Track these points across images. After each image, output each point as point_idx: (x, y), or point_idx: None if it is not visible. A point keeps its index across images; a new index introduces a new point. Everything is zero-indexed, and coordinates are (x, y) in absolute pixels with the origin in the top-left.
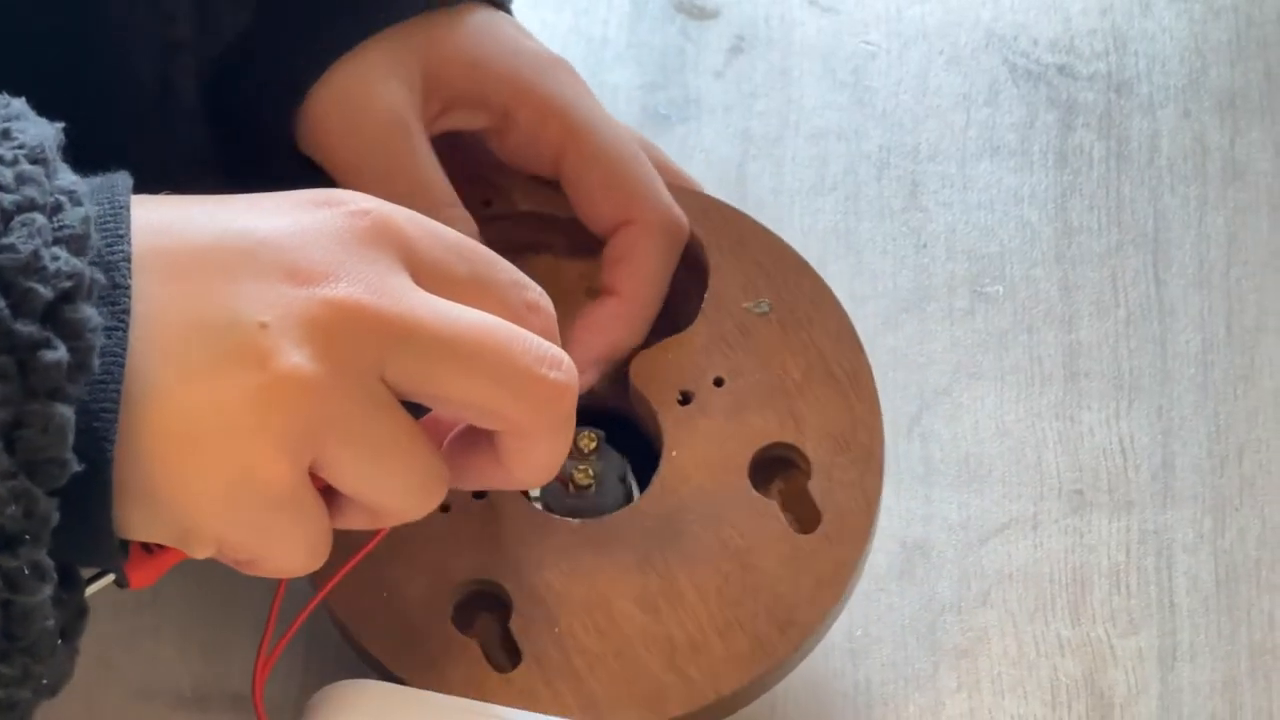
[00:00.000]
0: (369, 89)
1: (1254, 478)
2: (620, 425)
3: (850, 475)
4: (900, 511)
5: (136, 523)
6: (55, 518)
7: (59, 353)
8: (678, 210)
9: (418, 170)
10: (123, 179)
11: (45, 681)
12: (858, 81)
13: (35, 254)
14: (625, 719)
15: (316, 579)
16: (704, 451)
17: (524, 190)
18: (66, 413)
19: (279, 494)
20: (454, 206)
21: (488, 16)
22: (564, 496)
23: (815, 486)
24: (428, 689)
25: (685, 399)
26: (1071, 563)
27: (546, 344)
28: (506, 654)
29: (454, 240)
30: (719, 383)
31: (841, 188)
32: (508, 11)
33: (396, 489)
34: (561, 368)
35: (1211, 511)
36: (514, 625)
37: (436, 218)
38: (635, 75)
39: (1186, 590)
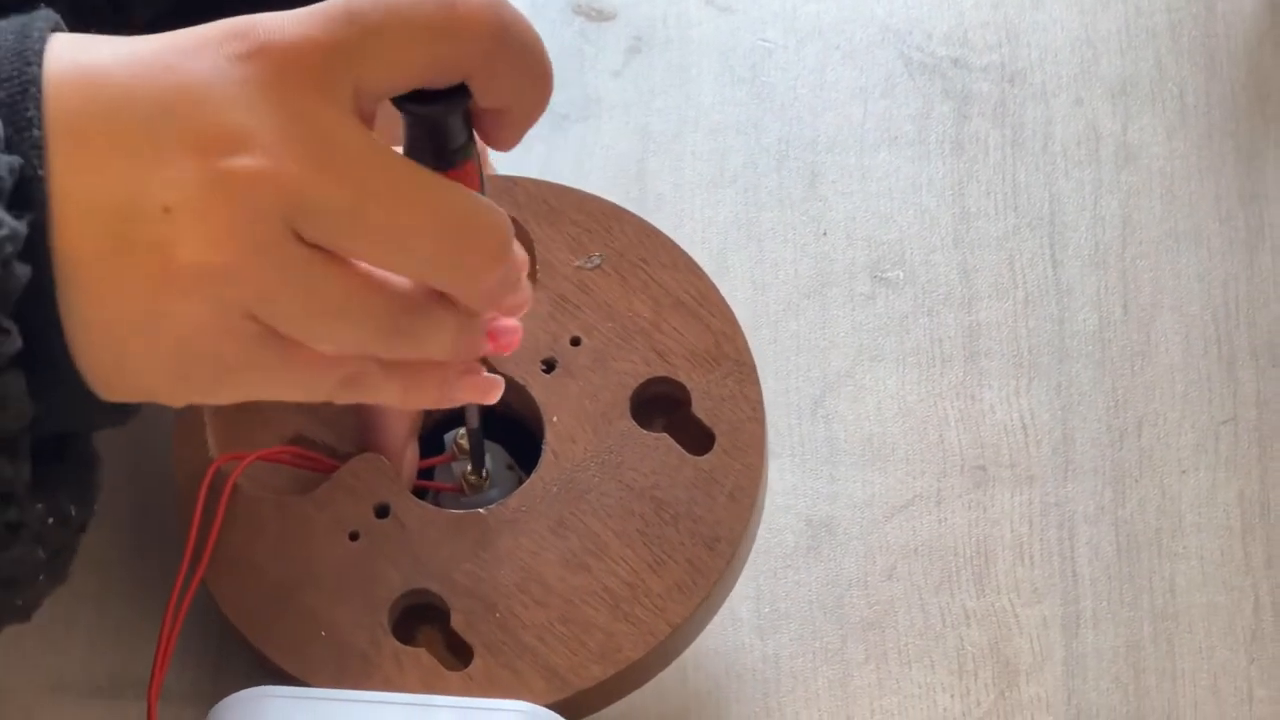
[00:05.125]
0: None
1: (1152, 450)
2: (490, 421)
3: (728, 388)
4: (805, 490)
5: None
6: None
7: None
8: None
9: None
10: (38, 28)
11: (20, 603)
12: (755, 78)
13: None
14: (590, 677)
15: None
16: (582, 409)
17: None
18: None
19: (230, 363)
20: None
21: None
22: (461, 498)
23: (699, 408)
24: None
25: (549, 367)
26: (975, 536)
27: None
28: (458, 653)
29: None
30: (576, 342)
31: (741, 180)
32: None
33: (353, 337)
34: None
35: (1111, 483)
36: (456, 624)
37: None
38: None
39: (1088, 560)
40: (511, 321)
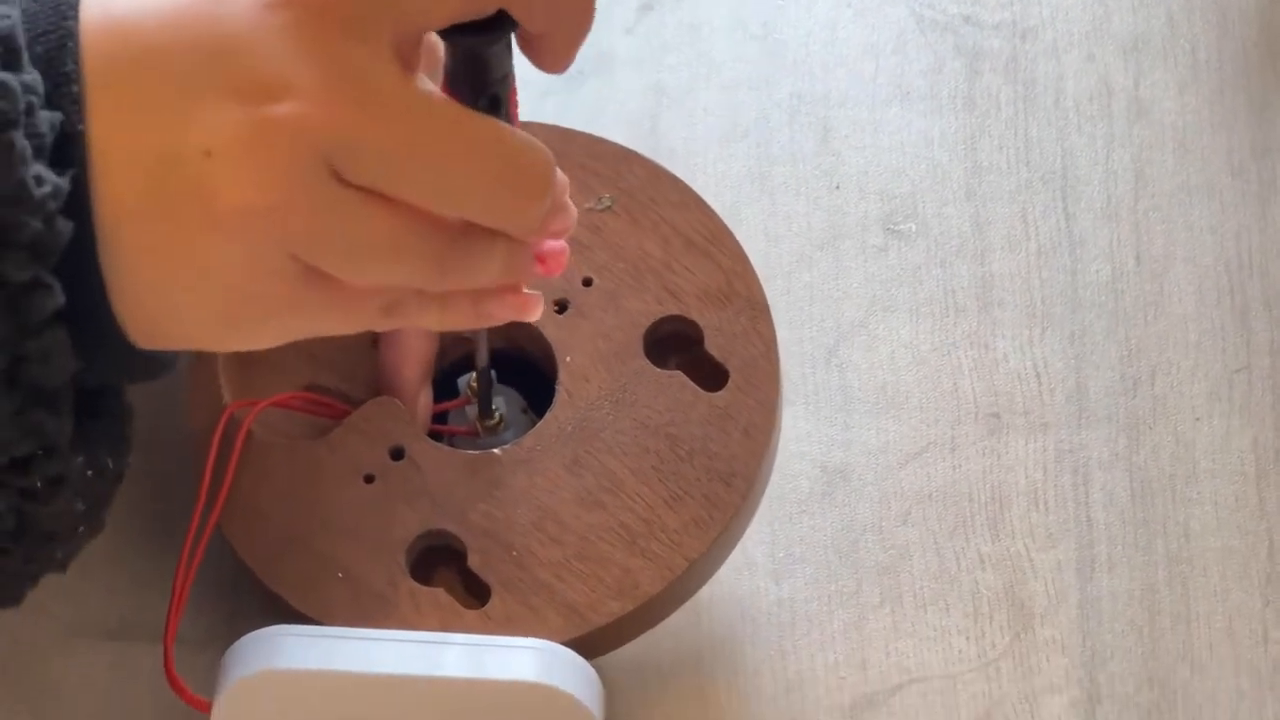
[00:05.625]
0: None
1: (1165, 397)
2: (505, 365)
3: (741, 325)
4: (820, 438)
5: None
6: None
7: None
8: None
9: None
10: None
11: (59, 555)
12: (767, 34)
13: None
14: (608, 613)
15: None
16: (596, 348)
17: None
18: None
19: (276, 306)
20: None
21: None
22: (476, 441)
23: (712, 345)
24: None
25: (561, 307)
26: (990, 482)
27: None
28: (475, 592)
29: None
30: (588, 283)
31: (753, 134)
32: None
33: (399, 274)
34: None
35: (1125, 430)
36: (473, 564)
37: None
38: None
39: (1103, 505)
40: (558, 243)
